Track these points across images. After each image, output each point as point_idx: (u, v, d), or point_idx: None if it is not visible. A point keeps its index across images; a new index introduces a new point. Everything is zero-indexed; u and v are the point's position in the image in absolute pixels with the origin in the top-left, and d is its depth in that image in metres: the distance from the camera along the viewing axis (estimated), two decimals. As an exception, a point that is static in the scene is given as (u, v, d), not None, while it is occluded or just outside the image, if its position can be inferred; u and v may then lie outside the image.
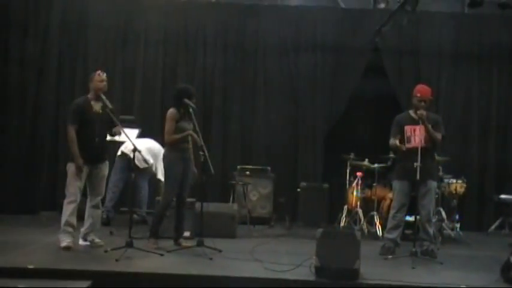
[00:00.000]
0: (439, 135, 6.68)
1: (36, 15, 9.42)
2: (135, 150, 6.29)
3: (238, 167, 9.21)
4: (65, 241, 6.17)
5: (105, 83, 6.42)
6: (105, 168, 6.53)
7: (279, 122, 9.72)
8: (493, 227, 9.13)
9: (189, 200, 7.10)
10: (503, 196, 9.12)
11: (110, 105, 6.33)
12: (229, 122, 9.76)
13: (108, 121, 6.37)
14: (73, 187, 6.21)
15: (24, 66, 9.32)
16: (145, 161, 7.64)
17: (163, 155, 6.72)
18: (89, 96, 6.41)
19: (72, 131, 6.19)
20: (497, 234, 8.93)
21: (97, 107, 6.36)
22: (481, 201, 9.59)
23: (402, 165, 6.79)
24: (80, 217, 6.44)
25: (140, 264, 5.70)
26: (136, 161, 6.89)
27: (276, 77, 9.81)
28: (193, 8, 9.82)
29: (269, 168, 9.25)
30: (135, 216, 7.80)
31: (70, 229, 6.23)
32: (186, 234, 6.97)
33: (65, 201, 6.27)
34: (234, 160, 9.56)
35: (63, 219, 6.21)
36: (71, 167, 6.22)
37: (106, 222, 7.75)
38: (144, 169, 8.00)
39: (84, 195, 6.47)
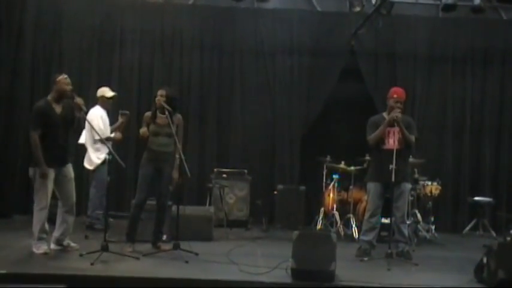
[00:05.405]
0: (412, 137, 6.73)
1: (10, 15, 9.26)
2: (110, 153, 6.26)
3: (215, 169, 9.18)
4: (42, 248, 6.06)
5: (70, 86, 6.19)
6: (70, 170, 6.32)
7: (256, 124, 9.72)
8: (467, 228, 9.24)
9: (165, 202, 7.04)
10: (477, 198, 9.25)
11: (85, 109, 6.25)
12: (205, 124, 9.73)
13: (70, 123, 6.22)
14: (42, 193, 6.04)
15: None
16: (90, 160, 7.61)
17: None
18: (50, 98, 6.14)
19: (35, 136, 5.95)
20: (471, 236, 9.04)
21: (58, 109, 6.13)
22: (456, 203, 9.71)
23: (376, 167, 6.81)
24: (52, 220, 6.33)
25: (115, 267, 5.64)
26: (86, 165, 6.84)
27: (252, 79, 9.81)
28: (170, 10, 9.77)
29: (246, 170, 9.23)
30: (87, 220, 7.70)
31: (45, 235, 6.14)
32: (163, 237, 6.92)
33: (36, 208, 6.09)
34: (210, 162, 9.53)
35: (38, 226, 6.05)
36: (37, 173, 6.02)
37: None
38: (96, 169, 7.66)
39: (54, 198, 6.32)
